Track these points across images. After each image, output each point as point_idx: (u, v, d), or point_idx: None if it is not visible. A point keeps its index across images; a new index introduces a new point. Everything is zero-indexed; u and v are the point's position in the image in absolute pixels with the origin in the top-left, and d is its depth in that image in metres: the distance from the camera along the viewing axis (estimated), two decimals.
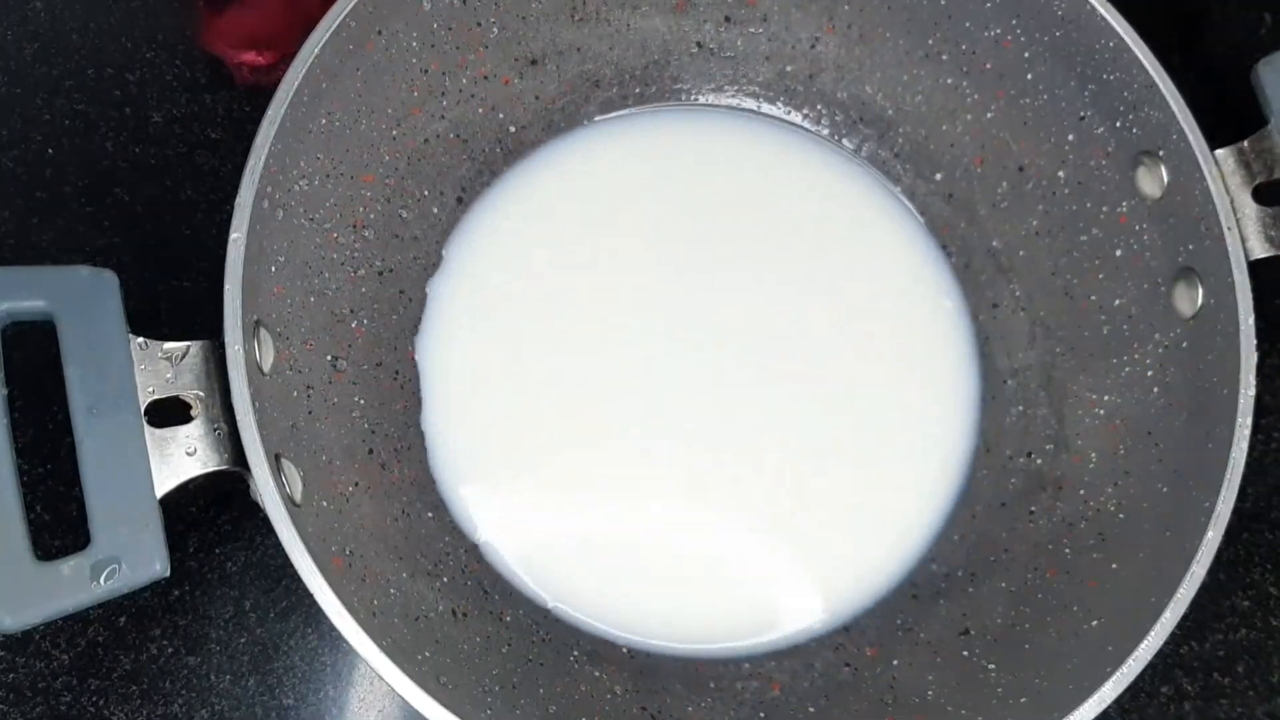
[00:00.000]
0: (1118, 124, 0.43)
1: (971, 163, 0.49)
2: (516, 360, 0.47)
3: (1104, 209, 0.45)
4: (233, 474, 0.36)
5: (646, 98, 0.52)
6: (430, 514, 0.45)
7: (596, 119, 0.51)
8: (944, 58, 0.48)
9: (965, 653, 0.43)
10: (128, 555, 0.33)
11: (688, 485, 0.46)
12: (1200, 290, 0.41)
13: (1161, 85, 0.41)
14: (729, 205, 0.50)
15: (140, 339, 0.36)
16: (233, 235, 0.36)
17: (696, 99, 0.52)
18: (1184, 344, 0.42)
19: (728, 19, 0.50)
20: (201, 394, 0.36)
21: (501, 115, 0.49)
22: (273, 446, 0.36)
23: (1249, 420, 0.38)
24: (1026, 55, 0.45)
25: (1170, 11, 0.57)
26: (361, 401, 0.44)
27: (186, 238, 0.50)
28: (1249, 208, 0.41)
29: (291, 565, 0.34)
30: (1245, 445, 0.37)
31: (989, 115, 0.48)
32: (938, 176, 0.51)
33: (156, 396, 0.36)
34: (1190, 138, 0.40)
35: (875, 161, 0.52)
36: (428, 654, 0.38)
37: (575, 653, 0.44)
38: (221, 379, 0.35)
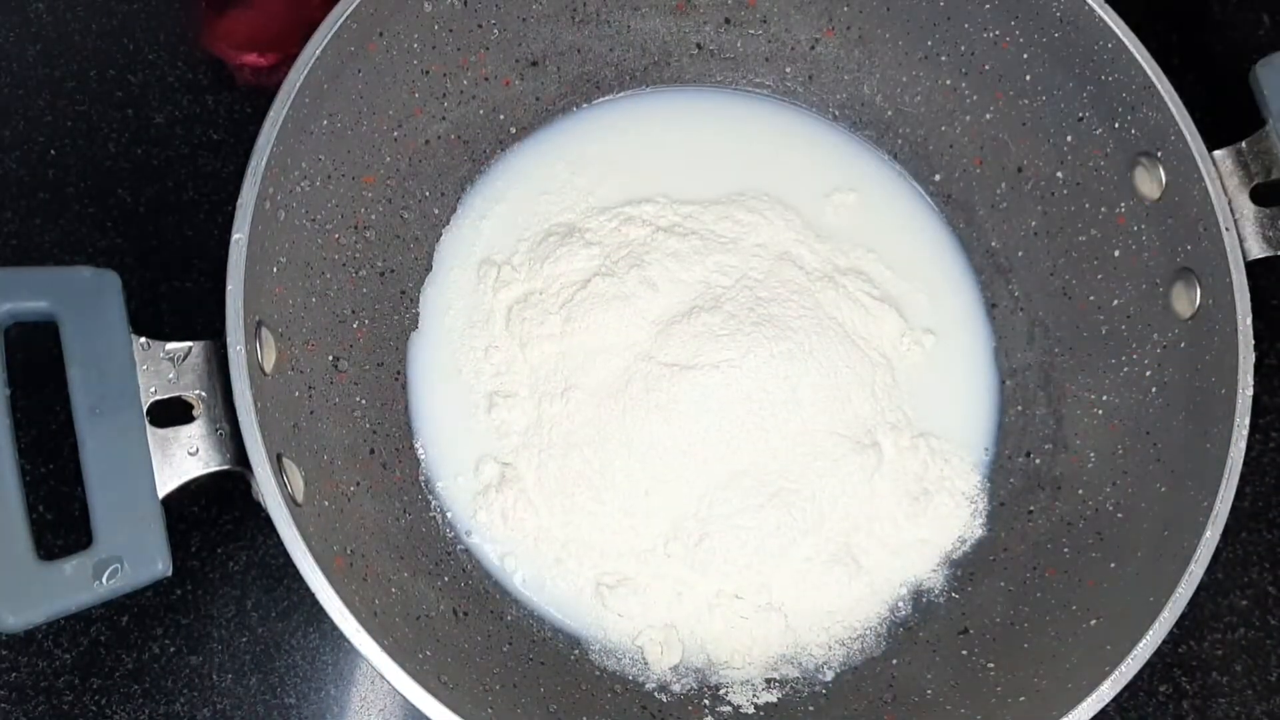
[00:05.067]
0: (1116, 125, 0.43)
1: (970, 163, 0.50)
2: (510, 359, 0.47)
3: (1102, 209, 0.45)
4: (235, 474, 0.36)
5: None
6: (432, 514, 0.45)
7: (595, 101, 0.51)
8: (943, 59, 0.48)
9: (964, 652, 0.43)
10: (130, 555, 0.34)
11: (683, 492, 0.44)
12: (1198, 290, 0.41)
13: (1160, 86, 0.41)
14: (728, 192, 0.50)
15: (142, 339, 0.36)
16: (234, 236, 0.36)
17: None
18: (1182, 344, 0.42)
19: (727, 20, 0.50)
20: (203, 394, 0.36)
21: (502, 116, 0.49)
22: (274, 446, 0.36)
23: (1247, 420, 0.38)
24: (1025, 56, 0.45)
25: (1169, 12, 0.57)
26: (363, 401, 0.44)
27: (188, 238, 0.50)
28: (1247, 208, 0.41)
29: (293, 565, 0.34)
30: (1243, 445, 0.38)
31: (988, 116, 0.48)
32: (936, 177, 0.51)
33: (158, 396, 0.36)
34: (1188, 138, 0.40)
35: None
36: (429, 653, 0.38)
37: (575, 651, 0.44)
38: (223, 379, 0.35)
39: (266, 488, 0.34)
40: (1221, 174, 0.41)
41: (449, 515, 0.45)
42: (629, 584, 0.44)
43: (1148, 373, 0.43)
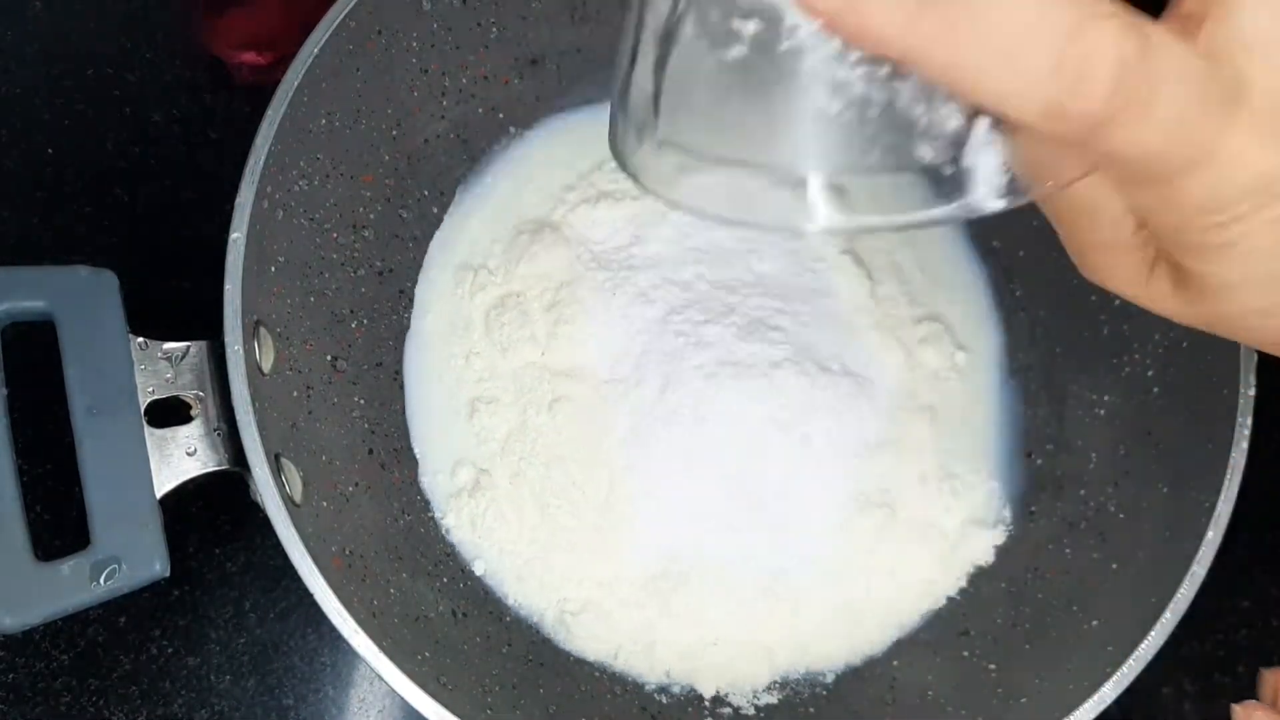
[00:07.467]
0: None
1: None
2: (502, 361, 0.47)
3: None
4: (233, 474, 0.36)
5: None
6: (430, 514, 0.45)
7: (596, 101, 0.50)
8: None
9: (965, 653, 0.43)
10: (127, 555, 0.34)
11: (679, 497, 0.44)
12: None
13: None
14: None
15: (140, 339, 0.36)
16: (232, 235, 0.36)
17: None
18: (1184, 344, 0.41)
19: None
20: (201, 394, 0.36)
21: (502, 115, 0.49)
22: (273, 446, 0.36)
23: (1249, 420, 0.37)
24: None
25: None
26: (361, 401, 0.44)
27: (186, 238, 0.50)
28: None
29: (291, 565, 0.34)
30: (1245, 445, 0.37)
31: None
32: None
33: (156, 396, 0.36)
34: None
35: None
36: (427, 654, 0.38)
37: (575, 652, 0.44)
38: (221, 379, 0.35)
39: (265, 488, 0.34)
40: None
41: (439, 512, 0.45)
42: (595, 609, 0.43)
43: (1149, 372, 0.43)
